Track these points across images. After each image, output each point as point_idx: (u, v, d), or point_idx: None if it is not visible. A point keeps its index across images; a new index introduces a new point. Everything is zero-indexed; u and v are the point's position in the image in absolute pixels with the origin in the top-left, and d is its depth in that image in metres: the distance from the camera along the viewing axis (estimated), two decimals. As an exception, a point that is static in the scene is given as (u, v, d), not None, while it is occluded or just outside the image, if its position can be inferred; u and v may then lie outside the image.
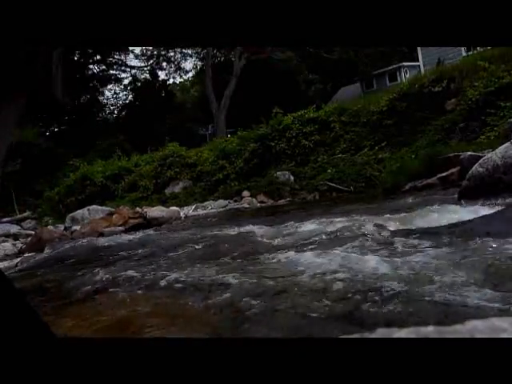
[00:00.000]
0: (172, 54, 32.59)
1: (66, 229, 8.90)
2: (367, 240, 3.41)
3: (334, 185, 10.95)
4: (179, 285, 3.06)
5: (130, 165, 16.22)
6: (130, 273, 3.72)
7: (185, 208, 11.50)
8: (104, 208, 10.89)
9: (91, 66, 30.88)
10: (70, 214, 10.94)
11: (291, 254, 3.28)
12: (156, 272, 3.54)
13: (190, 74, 37.87)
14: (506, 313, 1.67)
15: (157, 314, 2.49)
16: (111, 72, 32.28)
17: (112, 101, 33.84)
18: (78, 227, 8.61)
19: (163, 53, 32.24)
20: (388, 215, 4.74)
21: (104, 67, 31.55)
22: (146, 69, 33.01)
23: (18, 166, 17.45)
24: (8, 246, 7.70)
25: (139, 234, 6.95)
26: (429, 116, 10.97)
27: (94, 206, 11.00)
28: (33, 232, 9.23)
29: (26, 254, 6.47)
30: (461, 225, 3.51)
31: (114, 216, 8.39)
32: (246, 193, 12.16)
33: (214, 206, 11.53)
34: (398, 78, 22.22)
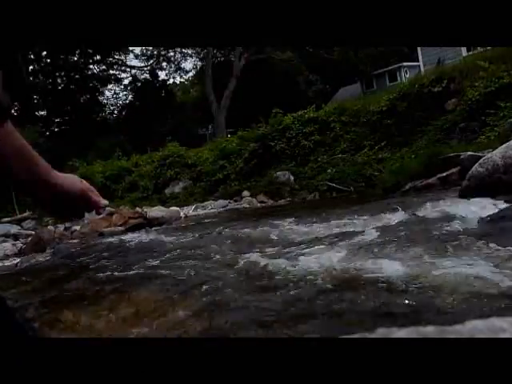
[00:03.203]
0: (172, 53, 32.58)
1: (66, 229, 8.89)
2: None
3: (334, 185, 10.94)
4: (179, 284, 3.06)
5: (129, 165, 16.21)
6: (131, 273, 3.72)
7: (185, 208, 11.49)
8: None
9: (91, 66, 30.86)
10: (70, 214, 10.91)
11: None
12: (156, 272, 3.54)
13: (190, 74, 37.87)
14: (506, 310, 1.68)
15: (160, 314, 2.49)
16: (111, 72, 32.26)
17: (112, 101, 33.83)
18: (78, 227, 8.60)
19: (163, 53, 32.21)
20: (388, 214, 4.75)
21: (104, 67, 31.52)
22: (145, 69, 32.99)
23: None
24: (8, 246, 7.69)
25: (139, 234, 6.96)
26: (429, 116, 10.95)
27: (94, 206, 10.97)
28: (33, 232, 9.23)
29: (27, 255, 6.47)
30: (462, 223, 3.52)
31: (113, 216, 8.39)
32: (246, 193, 12.15)
33: (213, 206, 11.51)
34: (398, 77, 22.20)
